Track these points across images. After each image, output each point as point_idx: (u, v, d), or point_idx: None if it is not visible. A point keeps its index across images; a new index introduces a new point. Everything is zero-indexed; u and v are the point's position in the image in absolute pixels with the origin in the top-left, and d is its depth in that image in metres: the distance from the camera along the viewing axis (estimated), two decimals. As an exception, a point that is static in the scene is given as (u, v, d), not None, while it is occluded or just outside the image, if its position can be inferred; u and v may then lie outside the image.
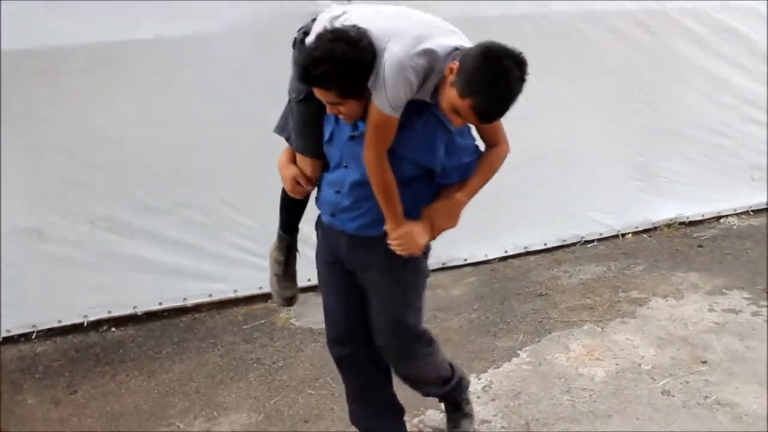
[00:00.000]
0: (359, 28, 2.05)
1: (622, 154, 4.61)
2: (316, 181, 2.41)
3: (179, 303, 3.92)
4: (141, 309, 3.89)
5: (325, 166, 2.36)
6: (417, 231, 2.26)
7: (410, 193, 2.25)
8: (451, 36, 2.09)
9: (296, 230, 2.59)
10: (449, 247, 4.32)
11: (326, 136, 2.29)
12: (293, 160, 2.39)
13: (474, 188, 2.30)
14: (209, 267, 3.90)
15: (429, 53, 2.02)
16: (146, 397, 3.24)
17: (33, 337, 3.75)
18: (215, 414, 3.09)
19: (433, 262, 4.21)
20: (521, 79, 1.97)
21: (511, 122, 4.11)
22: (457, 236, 4.22)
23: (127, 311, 3.87)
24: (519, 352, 3.46)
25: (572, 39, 4.26)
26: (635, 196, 4.68)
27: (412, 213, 2.26)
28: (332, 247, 2.44)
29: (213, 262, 3.90)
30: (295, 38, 2.24)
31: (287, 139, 2.39)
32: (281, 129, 2.40)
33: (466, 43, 2.10)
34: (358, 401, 2.67)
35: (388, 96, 2.02)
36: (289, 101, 2.31)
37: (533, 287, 4.10)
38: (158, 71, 3.62)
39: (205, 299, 3.93)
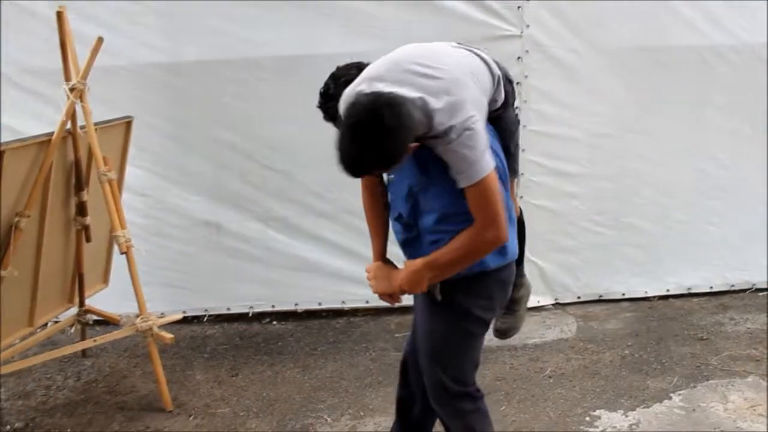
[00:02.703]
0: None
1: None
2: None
3: (337, 305, 4.13)
4: (302, 307, 4.14)
5: None
6: (380, 275, 2.21)
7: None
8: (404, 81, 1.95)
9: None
10: (608, 280, 4.25)
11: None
12: None
13: (436, 259, 2.06)
14: (368, 274, 4.07)
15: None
16: (299, 388, 3.44)
17: (204, 320, 4.11)
18: (361, 414, 3.22)
19: (588, 293, 4.23)
20: (352, 141, 1.85)
21: (685, 154, 4.08)
22: (617, 269, 4.22)
23: (289, 307, 4.13)
24: (672, 394, 3.31)
25: (757, 73, 4.06)
26: (819, 243, 4.34)
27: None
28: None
29: (372, 269, 4.06)
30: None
31: None
32: None
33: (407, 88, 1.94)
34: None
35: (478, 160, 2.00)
36: None
37: (693, 330, 3.91)
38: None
39: (362, 305, 4.11)
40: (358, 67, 2.14)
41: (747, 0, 3.96)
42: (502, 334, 2.56)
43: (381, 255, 2.30)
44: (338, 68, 2.25)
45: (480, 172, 1.95)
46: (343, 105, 1.98)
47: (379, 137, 1.83)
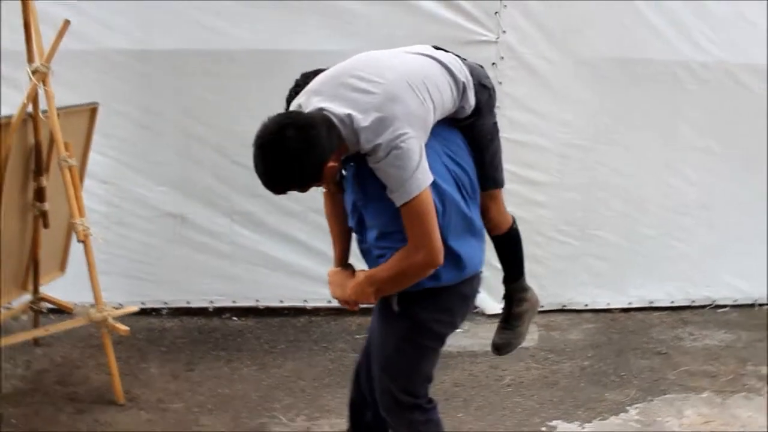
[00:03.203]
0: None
1: (770, 214, 4.35)
2: None
3: (299, 303, 4.09)
4: (263, 303, 4.08)
5: None
6: (336, 280, 2.19)
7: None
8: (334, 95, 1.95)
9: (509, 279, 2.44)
10: (570, 290, 4.25)
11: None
12: None
13: (376, 275, 2.04)
14: (332, 274, 4.03)
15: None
16: (256, 386, 3.39)
17: (163, 313, 4.04)
18: (317, 415, 3.18)
19: (552, 302, 4.23)
20: (261, 160, 1.90)
21: (655, 169, 4.10)
22: (580, 280, 4.23)
23: (250, 303, 4.08)
24: (628, 407, 3.32)
25: (727, 90, 4.09)
26: (780, 263, 4.39)
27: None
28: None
29: (336, 270, 4.03)
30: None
31: None
32: None
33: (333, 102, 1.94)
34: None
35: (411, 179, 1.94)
36: None
37: (653, 344, 3.93)
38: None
39: (324, 304, 4.07)
40: (317, 74, 2.09)
41: (721, 17, 3.99)
42: (498, 349, 2.45)
43: (340, 261, 2.26)
44: (302, 75, 2.19)
45: (409, 193, 1.89)
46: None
47: (283, 159, 1.85)
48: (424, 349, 2.19)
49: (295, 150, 1.83)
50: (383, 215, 2.00)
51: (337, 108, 1.90)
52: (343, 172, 2.10)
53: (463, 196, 2.07)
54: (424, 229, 1.92)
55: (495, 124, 2.25)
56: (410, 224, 1.93)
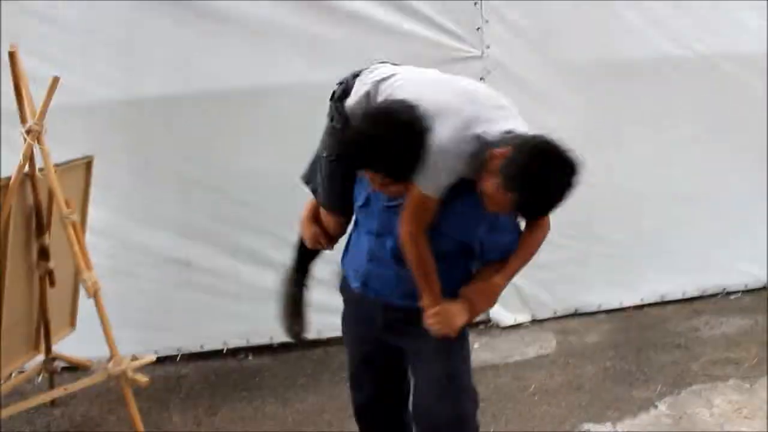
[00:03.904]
0: (410, 105, 1.90)
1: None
2: (337, 240, 2.35)
3: (313, 336, 4.03)
4: (277, 340, 4.03)
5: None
6: (455, 311, 2.08)
7: (446, 267, 2.08)
8: (500, 116, 1.97)
9: (309, 271, 2.54)
10: (583, 293, 4.24)
11: (360, 200, 2.19)
12: (316, 217, 2.34)
13: (513, 270, 2.13)
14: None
15: (477, 139, 1.90)
16: (282, 423, 3.35)
17: (177, 359, 3.98)
18: (346, 446, 3.14)
19: (565, 307, 4.21)
20: (569, 185, 1.86)
21: (650, 164, 4.12)
22: (591, 282, 4.22)
23: (264, 341, 4.02)
24: (657, 403, 3.31)
25: (712, 81, 4.13)
26: (787, 245, 4.40)
27: (445, 289, 2.09)
28: (363, 317, 2.33)
29: (346, 298, 4.00)
30: (334, 92, 2.17)
31: (313, 192, 2.33)
32: (307, 179, 2.33)
33: (516, 120, 1.99)
34: None
35: (430, 179, 1.92)
36: (319, 156, 2.25)
37: (671, 337, 3.93)
38: (303, 114, 3.81)
39: (337, 334, 3.99)
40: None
41: (698, 8, 4.04)
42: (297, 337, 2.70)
43: (438, 295, 2.11)
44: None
45: None
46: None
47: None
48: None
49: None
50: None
51: (515, 120, 2.02)
52: None
53: None
54: None
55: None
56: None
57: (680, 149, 4.19)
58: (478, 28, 3.86)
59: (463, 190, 1.99)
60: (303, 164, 3.85)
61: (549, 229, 2.14)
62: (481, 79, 3.85)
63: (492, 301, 2.17)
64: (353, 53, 3.76)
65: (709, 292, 4.36)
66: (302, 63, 3.78)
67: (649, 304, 4.30)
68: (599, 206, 4.18)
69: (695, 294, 4.35)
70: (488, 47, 3.89)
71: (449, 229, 2.06)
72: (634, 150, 4.17)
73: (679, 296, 4.33)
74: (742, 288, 4.35)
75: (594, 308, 4.26)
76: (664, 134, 4.18)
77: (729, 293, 4.36)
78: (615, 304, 4.27)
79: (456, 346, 2.20)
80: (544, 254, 4.00)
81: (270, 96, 3.73)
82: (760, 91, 4.17)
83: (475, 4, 3.83)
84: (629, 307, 4.27)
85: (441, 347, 2.16)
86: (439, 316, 2.07)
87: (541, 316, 4.23)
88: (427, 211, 1.99)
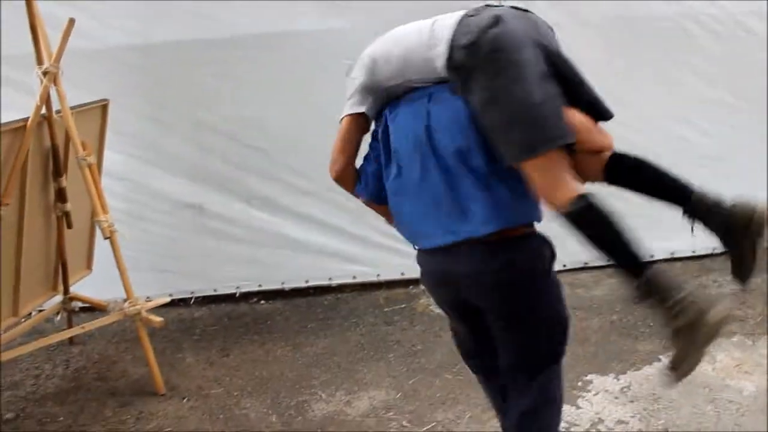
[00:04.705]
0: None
1: (784, 159, 4.34)
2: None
3: (324, 282, 4.11)
4: (288, 285, 4.12)
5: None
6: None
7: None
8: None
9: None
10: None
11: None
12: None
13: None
14: (354, 250, 4.06)
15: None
16: (291, 366, 3.44)
17: (191, 302, 4.08)
18: (355, 388, 3.22)
19: (574, 261, 4.23)
20: None
21: (668, 123, 4.08)
22: (602, 236, 4.22)
23: (276, 286, 4.11)
24: (661, 357, 3.35)
25: (739, 42, 4.06)
26: (798, 204, 4.39)
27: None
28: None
29: (358, 245, 4.05)
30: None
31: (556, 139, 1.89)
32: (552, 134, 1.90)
33: None
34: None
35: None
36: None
37: (679, 293, 3.95)
38: (318, 61, 3.80)
39: (349, 280, 4.10)
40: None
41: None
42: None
43: None
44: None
45: None
46: None
47: None
48: None
49: None
50: None
51: None
52: None
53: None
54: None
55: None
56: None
57: (700, 110, 4.14)
58: (498, -20, 3.80)
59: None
60: (317, 114, 3.92)
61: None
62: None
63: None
64: (366, 2, 3.75)
65: (719, 250, 4.33)
66: (315, 10, 3.75)
67: (659, 261, 4.30)
68: (612, 161, 4.17)
69: (705, 252, 4.35)
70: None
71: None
72: (653, 109, 4.11)
73: (689, 254, 4.34)
74: (751, 246, 4.35)
75: (603, 262, 4.27)
76: (685, 94, 4.11)
77: (738, 251, 4.36)
78: (624, 259, 4.28)
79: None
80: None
81: (283, 43, 3.72)
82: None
83: (495, -44, 3.76)
84: (639, 263, 4.29)
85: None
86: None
87: (551, 268, 4.25)
88: None
